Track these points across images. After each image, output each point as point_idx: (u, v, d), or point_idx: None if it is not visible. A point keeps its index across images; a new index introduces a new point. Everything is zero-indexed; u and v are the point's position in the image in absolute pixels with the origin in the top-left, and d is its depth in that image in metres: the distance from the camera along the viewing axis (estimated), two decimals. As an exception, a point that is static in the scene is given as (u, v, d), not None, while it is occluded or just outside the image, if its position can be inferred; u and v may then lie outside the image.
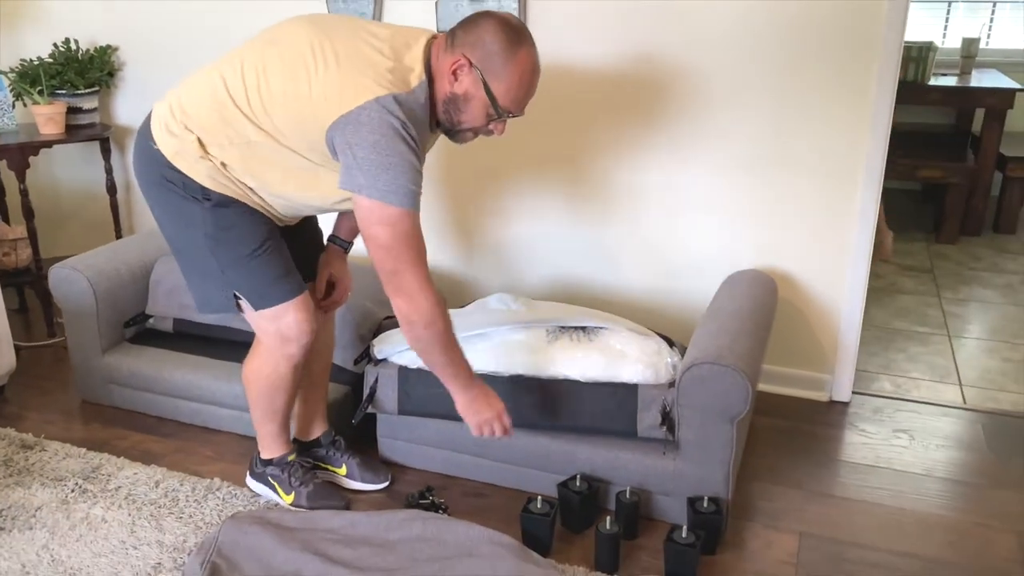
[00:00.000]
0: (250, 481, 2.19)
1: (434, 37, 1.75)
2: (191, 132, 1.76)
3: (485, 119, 1.73)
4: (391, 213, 1.65)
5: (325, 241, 2.14)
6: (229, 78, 1.74)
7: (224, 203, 1.82)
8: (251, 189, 1.83)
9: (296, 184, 1.80)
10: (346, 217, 2.09)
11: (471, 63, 1.67)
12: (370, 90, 1.61)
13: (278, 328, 1.90)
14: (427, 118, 1.72)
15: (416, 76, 1.68)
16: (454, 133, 1.79)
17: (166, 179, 1.81)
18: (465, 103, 1.71)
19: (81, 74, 3.09)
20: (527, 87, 1.72)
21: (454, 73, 1.69)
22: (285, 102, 1.69)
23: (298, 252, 2.00)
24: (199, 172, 1.79)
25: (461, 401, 1.90)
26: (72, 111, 3.11)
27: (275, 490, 2.14)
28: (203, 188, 1.80)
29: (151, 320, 2.67)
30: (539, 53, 2.56)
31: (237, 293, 1.88)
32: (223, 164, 1.78)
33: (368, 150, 1.61)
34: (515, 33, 1.68)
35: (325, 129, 1.65)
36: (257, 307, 1.88)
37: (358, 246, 2.17)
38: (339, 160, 1.67)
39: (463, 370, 1.87)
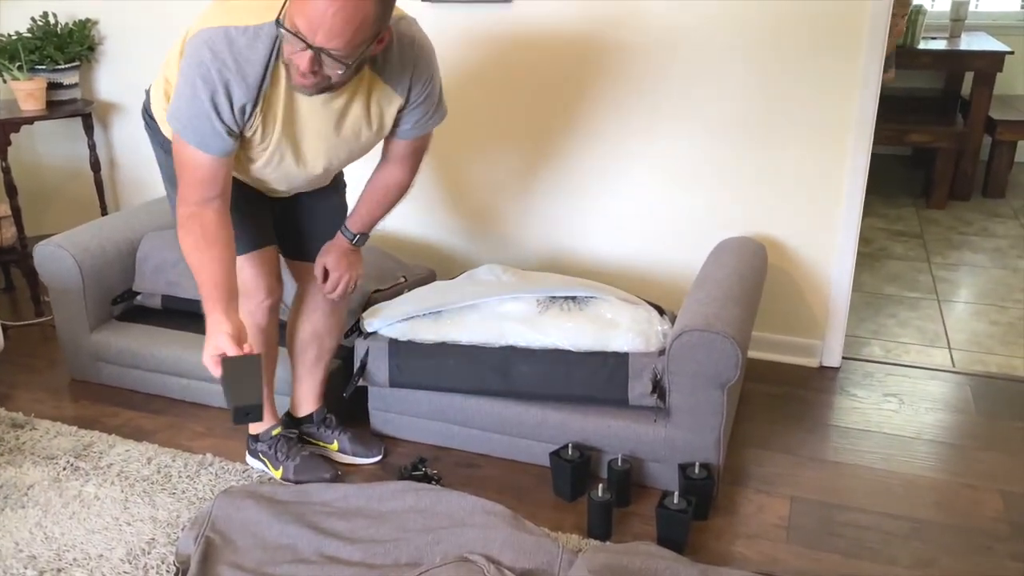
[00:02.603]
0: (248, 458, 2.20)
1: None
2: (163, 79, 1.79)
3: (289, 45, 1.49)
4: (174, 136, 1.65)
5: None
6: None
7: None
8: None
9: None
10: (359, 207, 1.99)
11: None
12: (213, 19, 1.57)
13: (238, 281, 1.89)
14: (263, 61, 1.55)
15: (267, 15, 1.54)
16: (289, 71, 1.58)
17: (148, 126, 1.91)
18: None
19: (61, 48, 3.04)
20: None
21: None
22: None
23: (291, 228, 1.98)
24: (165, 127, 1.83)
25: (207, 326, 1.69)
26: (53, 87, 3.06)
27: (266, 466, 2.14)
28: (167, 139, 1.83)
29: (139, 297, 2.65)
30: (512, 20, 2.55)
31: None
32: None
33: (179, 74, 1.60)
34: None
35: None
36: None
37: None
38: None
39: (203, 290, 1.68)
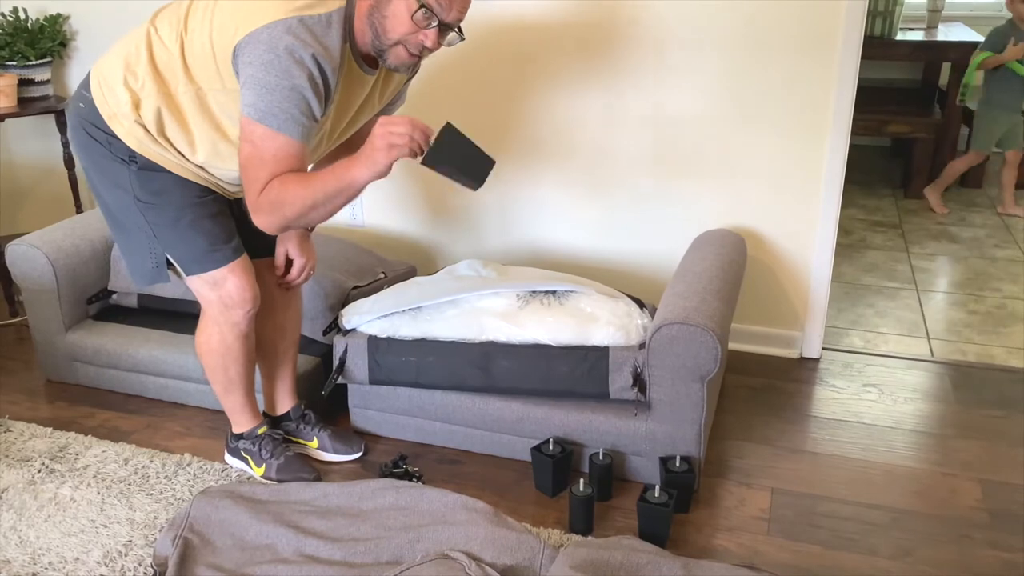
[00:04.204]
0: (227, 457, 2.18)
1: None
2: (127, 89, 1.72)
3: (409, 23, 1.59)
4: (259, 132, 1.58)
5: None
6: (162, 28, 1.71)
7: (151, 167, 1.79)
8: (183, 155, 1.79)
9: (215, 151, 1.76)
10: None
11: None
12: (275, 11, 1.55)
13: (219, 296, 1.88)
14: (340, 47, 1.60)
15: (334, 1, 1.60)
16: (385, 53, 1.64)
17: (94, 139, 1.79)
18: (387, 5, 1.59)
19: (31, 44, 2.99)
20: None
21: None
22: (201, 36, 1.65)
23: (253, 228, 1.96)
24: (130, 136, 1.76)
25: (372, 168, 1.59)
26: (24, 83, 3.01)
27: (248, 463, 2.12)
28: (130, 150, 1.77)
29: (114, 296, 2.62)
30: (489, 11, 2.53)
31: (169, 258, 1.85)
32: (157, 129, 1.74)
33: (259, 68, 1.55)
34: None
35: (231, 53, 1.60)
36: (189, 272, 1.86)
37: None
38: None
39: (339, 173, 1.61)
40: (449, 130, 1.57)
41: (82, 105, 1.80)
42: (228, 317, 1.91)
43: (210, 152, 1.77)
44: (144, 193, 1.80)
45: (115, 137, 1.77)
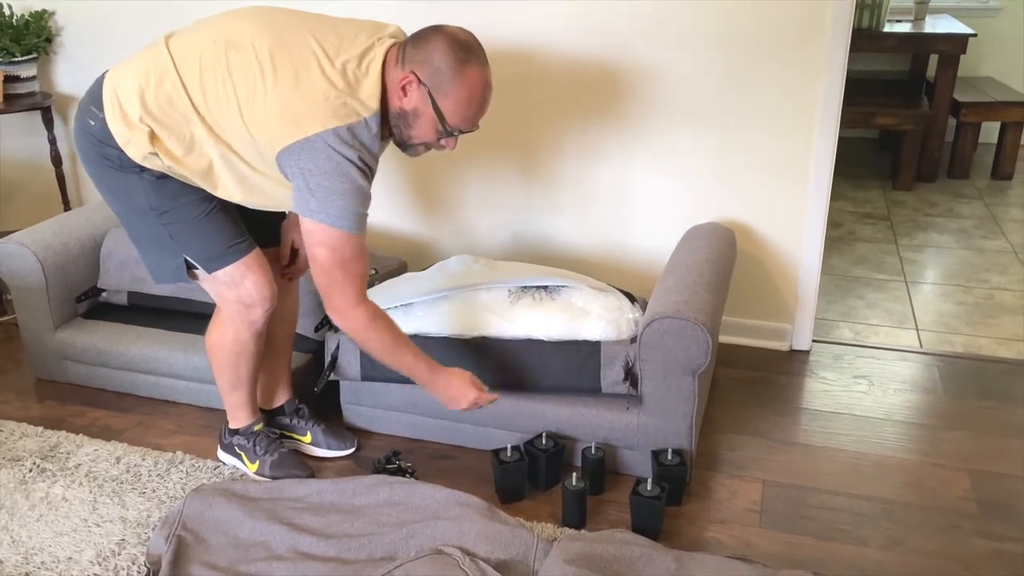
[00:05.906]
0: (220, 453, 2.18)
1: (393, 45, 1.72)
2: (145, 125, 1.71)
3: (434, 135, 1.74)
4: (336, 236, 1.69)
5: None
6: (187, 76, 1.69)
7: (163, 176, 1.79)
8: (195, 183, 1.81)
9: (239, 188, 1.80)
10: None
11: (419, 80, 1.67)
12: (326, 120, 1.62)
13: (238, 296, 1.88)
14: (378, 139, 1.72)
15: (371, 104, 1.67)
16: (405, 147, 1.79)
17: (104, 156, 1.78)
18: (414, 119, 1.71)
19: (17, 40, 2.97)
20: (477, 105, 1.71)
21: (403, 89, 1.69)
22: (240, 114, 1.67)
23: (257, 219, 1.97)
24: (145, 160, 1.76)
25: (435, 394, 1.94)
26: (9, 80, 2.99)
27: (241, 459, 2.12)
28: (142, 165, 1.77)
29: (104, 294, 2.61)
30: (481, 11, 2.53)
31: (188, 259, 1.85)
32: (171, 161, 1.75)
33: (321, 177, 1.64)
34: (464, 51, 1.67)
35: (276, 151, 1.66)
36: (210, 270, 1.86)
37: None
38: (290, 181, 1.69)
39: (419, 367, 1.88)
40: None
41: (92, 123, 1.76)
42: (246, 316, 1.91)
43: (234, 179, 1.79)
44: (158, 199, 1.80)
45: (126, 155, 1.75)
